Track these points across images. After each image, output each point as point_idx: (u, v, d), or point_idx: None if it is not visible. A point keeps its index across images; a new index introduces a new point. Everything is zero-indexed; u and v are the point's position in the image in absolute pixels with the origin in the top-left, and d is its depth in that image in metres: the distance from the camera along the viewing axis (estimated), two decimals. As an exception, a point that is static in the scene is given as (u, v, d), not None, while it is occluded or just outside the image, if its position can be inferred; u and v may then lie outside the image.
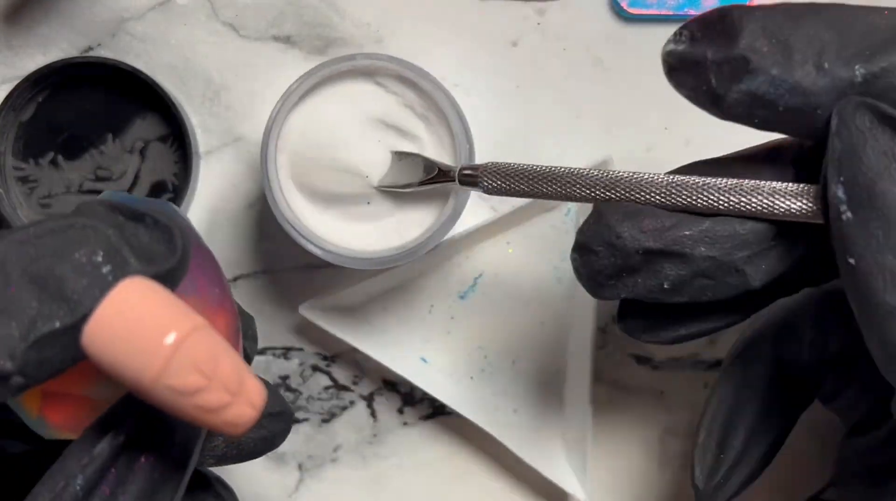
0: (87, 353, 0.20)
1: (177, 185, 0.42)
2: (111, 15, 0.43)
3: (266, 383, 0.25)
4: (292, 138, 0.37)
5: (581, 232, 0.27)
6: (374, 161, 0.37)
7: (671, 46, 0.26)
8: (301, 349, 0.44)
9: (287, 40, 0.43)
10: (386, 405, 0.45)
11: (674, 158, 0.44)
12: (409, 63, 0.37)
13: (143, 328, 0.20)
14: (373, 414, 0.45)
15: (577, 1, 0.43)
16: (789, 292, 0.28)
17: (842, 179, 0.22)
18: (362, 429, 0.45)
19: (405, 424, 0.45)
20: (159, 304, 0.20)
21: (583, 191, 0.29)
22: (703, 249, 0.26)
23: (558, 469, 0.43)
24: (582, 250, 0.27)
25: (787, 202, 0.25)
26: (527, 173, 0.31)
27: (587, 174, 0.29)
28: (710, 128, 0.44)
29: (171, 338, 0.20)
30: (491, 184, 0.32)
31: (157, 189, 0.42)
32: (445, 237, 0.39)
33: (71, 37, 0.43)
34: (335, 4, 0.43)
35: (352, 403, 0.45)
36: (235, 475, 0.43)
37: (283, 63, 0.43)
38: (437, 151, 0.38)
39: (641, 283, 0.26)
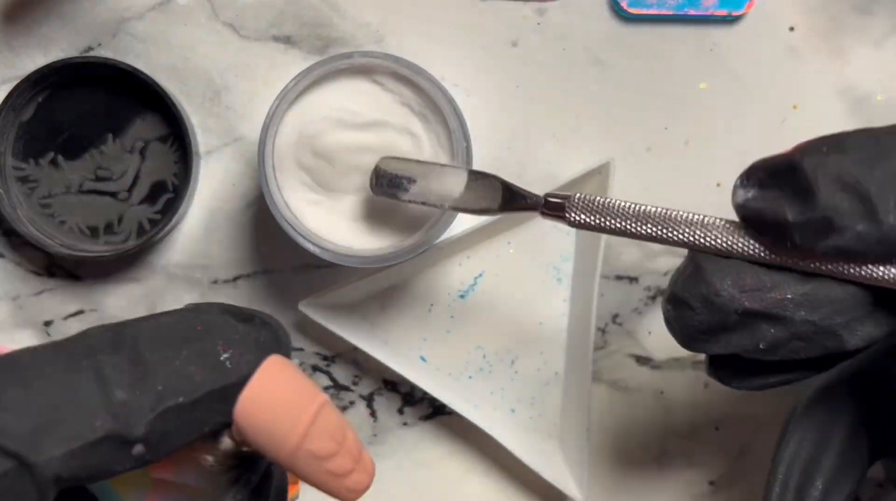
0: (237, 423, 0.22)
1: (177, 185, 0.42)
2: (111, 15, 0.43)
3: None
4: (290, 137, 0.37)
5: (677, 284, 0.26)
6: (371, 159, 0.37)
7: (741, 196, 0.25)
8: (301, 349, 0.44)
9: (287, 40, 0.43)
10: (386, 405, 0.45)
11: (674, 158, 0.44)
12: (405, 61, 0.37)
13: (289, 400, 0.22)
14: (373, 414, 0.45)
15: (577, 1, 0.43)
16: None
17: None
18: (362, 429, 0.45)
19: (405, 424, 0.45)
20: (299, 379, 0.23)
21: (678, 235, 0.27)
22: (803, 313, 0.25)
23: (555, 469, 0.43)
24: (677, 302, 0.26)
25: (885, 270, 0.25)
26: (619, 211, 0.29)
27: (683, 217, 0.27)
28: (710, 128, 0.45)
29: (312, 408, 0.22)
30: (578, 218, 0.30)
31: (157, 189, 0.42)
32: (446, 236, 0.39)
33: (71, 37, 0.43)
34: (335, 4, 0.43)
35: (352, 403, 0.45)
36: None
37: (283, 63, 0.43)
38: (434, 148, 0.38)
39: (736, 342, 0.26)
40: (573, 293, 0.44)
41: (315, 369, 0.44)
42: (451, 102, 0.37)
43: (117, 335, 0.22)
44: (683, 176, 0.44)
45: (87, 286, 0.44)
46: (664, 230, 0.28)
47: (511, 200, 0.34)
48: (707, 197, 0.44)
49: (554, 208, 0.31)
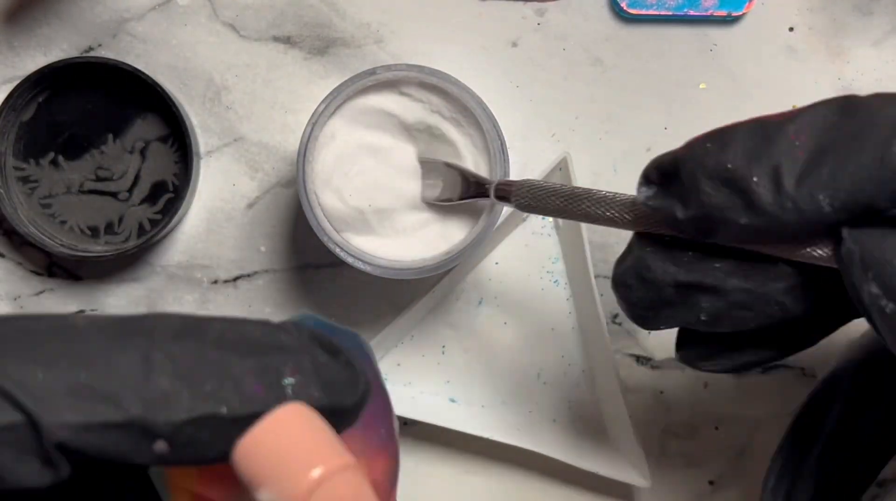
0: (234, 463, 0.19)
1: (177, 185, 0.42)
2: (112, 15, 0.43)
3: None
4: (326, 159, 0.38)
5: (616, 265, 0.27)
6: (410, 172, 0.38)
7: (642, 194, 0.26)
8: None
9: (287, 40, 0.43)
10: (386, 405, 0.45)
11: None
12: (430, 69, 0.37)
13: (294, 455, 0.19)
14: (373, 414, 0.45)
15: (577, 1, 0.43)
16: (845, 318, 0.27)
17: (870, 275, 0.22)
18: (362, 429, 0.45)
19: (405, 424, 0.45)
20: (315, 434, 0.20)
21: (612, 212, 0.28)
22: (735, 281, 0.25)
23: (616, 465, 0.43)
24: (616, 284, 0.27)
25: (810, 250, 0.25)
26: (557, 192, 0.30)
27: (617, 198, 0.28)
28: (709, 128, 0.45)
29: (317, 472, 0.19)
30: (522, 201, 0.32)
31: (157, 189, 0.42)
32: (436, 276, 0.40)
33: (71, 37, 0.43)
34: (335, 4, 0.43)
35: (352, 403, 0.45)
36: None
37: (283, 63, 0.43)
38: (471, 151, 0.38)
39: (679, 316, 0.26)
40: (574, 290, 0.44)
41: (315, 369, 0.44)
42: (480, 103, 0.37)
43: (185, 325, 0.20)
44: (683, 176, 0.44)
45: (87, 286, 0.44)
46: (594, 209, 0.29)
47: (468, 189, 0.36)
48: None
49: (502, 193, 0.34)
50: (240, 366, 0.20)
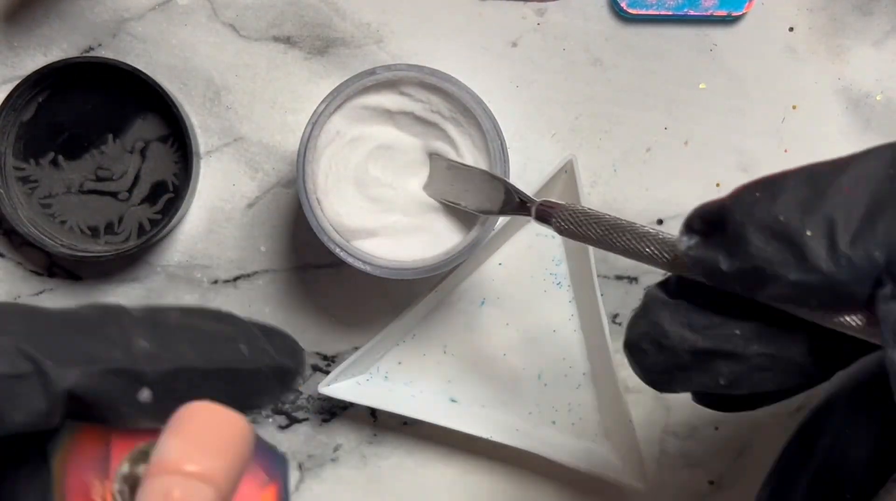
0: (177, 414, 0.22)
1: (177, 185, 0.42)
2: (112, 15, 0.43)
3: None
4: (326, 161, 0.38)
5: (629, 327, 0.26)
6: (410, 172, 0.39)
7: (684, 244, 0.25)
8: (301, 350, 0.44)
9: (287, 40, 0.43)
10: (386, 405, 0.45)
11: (674, 158, 0.44)
12: (429, 69, 0.37)
13: (203, 441, 0.21)
14: (372, 414, 0.45)
15: (577, 1, 0.43)
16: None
17: None
18: (362, 429, 0.45)
19: (405, 424, 0.45)
20: (228, 446, 0.22)
21: (652, 250, 0.27)
22: (755, 347, 0.24)
23: (612, 467, 0.43)
24: (630, 348, 0.26)
25: (841, 318, 0.23)
26: (600, 222, 0.29)
27: (660, 236, 0.27)
28: (710, 128, 0.45)
29: (191, 467, 0.21)
30: (563, 225, 0.31)
31: (157, 189, 0.42)
32: (437, 277, 0.40)
33: (71, 37, 0.43)
34: (335, 4, 0.43)
35: (352, 403, 0.45)
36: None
37: (283, 63, 0.43)
38: (470, 150, 0.38)
39: (697, 380, 0.25)
40: (576, 292, 0.44)
41: (315, 369, 0.44)
42: (480, 103, 0.37)
43: (148, 307, 0.23)
44: (683, 176, 0.44)
45: (87, 286, 0.44)
46: (638, 245, 0.27)
47: (508, 203, 0.35)
48: (707, 197, 0.44)
49: (543, 215, 0.32)
50: (204, 334, 0.23)
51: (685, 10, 0.42)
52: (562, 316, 0.44)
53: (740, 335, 0.24)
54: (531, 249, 0.44)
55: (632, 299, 0.44)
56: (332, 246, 0.37)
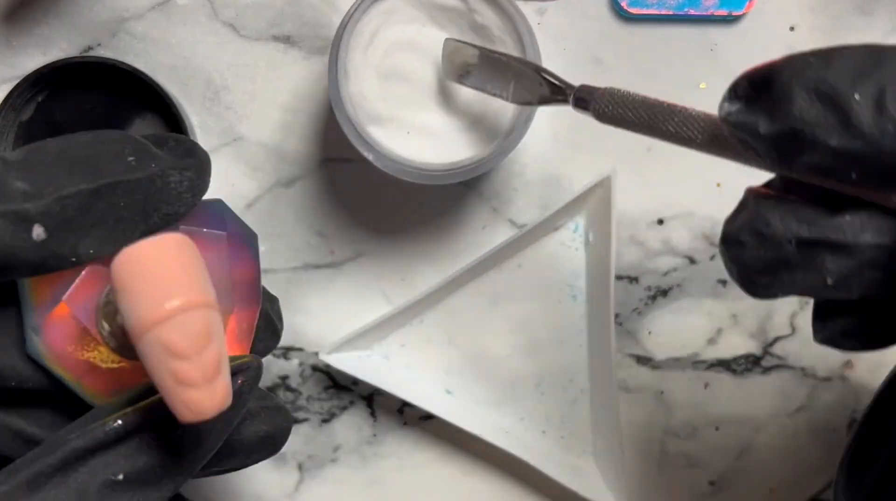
0: (112, 273, 0.21)
1: (177, 185, 0.42)
2: (111, 15, 0.43)
3: (260, 390, 0.28)
4: (359, 51, 0.37)
5: (726, 223, 0.24)
6: (447, 73, 0.37)
7: (725, 110, 0.23)
8: (301, 349, 0.44)
9: (287, 40, 0.43)
10: (385, 406, 0.45)
11: (674, 158, 0.44)
12: None
13: (160, 281, 0.21)
14: (372, 414, 0.45)
15: (577, 1, 0.43)
16: None
17: None
18: (362, 429, 0.45)
19: (405, 424, 0.45)
20: (187, 268, 0.22)
21: (686, 131, 0.26)
22: (868, 236, 0.22)
23: (592, 485, 0.43)
24: (728, 242, 0.24)
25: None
26: (646, 104, 0.28)
27: (698, 116, 0.26)
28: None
29: (175, 302, 0.21)
30: (604, 109, 0.29)
31: (156, 189, 0.42)
32: (456, 268, 0.39)
33: (71, 37, 0.43)
34: (335, 4, 0.43)
35: (352, 403, 0.45)
36: (236, 474, 0.43)
37: (283, 63, 0.43)
38: (500, 33, 0.37)
39: (801, 280, 0.23)
40: (590, 310, 0.44)
41: (315, 369, 0.44)
42: (531, 34, 0.36)
43: (24, 151, 0.24)
44: (683, 176, 0.44)
45: (86, 286, 0.44)
46: (683, 128, 0.26)
47: (548, 93, 0.34)
48: (707, 197, 0.44)
49: (582, 100, 0.31)
50: (84, 153, 0.24)
51: (686, 9, 0.42)
52: (571, 330, 0.44)
53: (850, 221, 0.22)
54: (553, 257, 0.44)
55: (632, 299, 0.44)
56: (354, 138, 0.37)
